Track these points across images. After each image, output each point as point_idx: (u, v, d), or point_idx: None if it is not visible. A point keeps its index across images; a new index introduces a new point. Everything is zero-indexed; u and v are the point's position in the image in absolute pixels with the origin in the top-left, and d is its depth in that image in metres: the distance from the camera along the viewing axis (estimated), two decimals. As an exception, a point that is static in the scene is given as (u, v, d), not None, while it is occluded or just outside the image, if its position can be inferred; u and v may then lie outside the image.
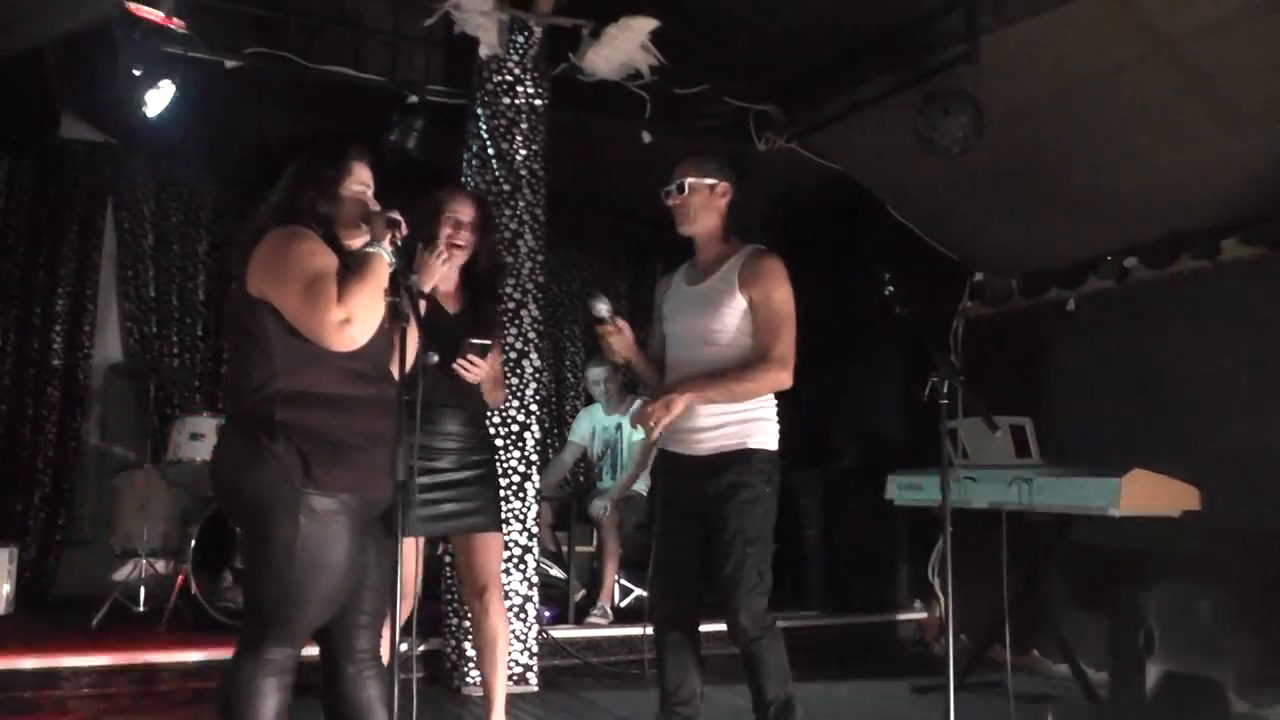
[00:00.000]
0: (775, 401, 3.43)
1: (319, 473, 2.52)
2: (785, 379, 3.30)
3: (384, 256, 2.58)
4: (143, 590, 5.58)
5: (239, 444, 2.58)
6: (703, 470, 3.31)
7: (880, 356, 6.81)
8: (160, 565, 5.77)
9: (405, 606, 3.51)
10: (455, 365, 3.47)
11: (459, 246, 3.66)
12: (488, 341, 3.54)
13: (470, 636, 4.79)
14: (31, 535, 6.55)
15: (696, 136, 5.92)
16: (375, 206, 2.73)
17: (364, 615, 2.72)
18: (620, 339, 3.41)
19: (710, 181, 3.45)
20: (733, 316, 3.34)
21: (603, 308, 3.37)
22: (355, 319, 2.49)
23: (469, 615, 3.77)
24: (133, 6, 3.93)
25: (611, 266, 8.57)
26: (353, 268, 2.57)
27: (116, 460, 6.78)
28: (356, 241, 2.69)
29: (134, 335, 7.05)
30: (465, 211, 3.69)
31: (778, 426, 3.43)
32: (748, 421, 3.35)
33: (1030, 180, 5.31)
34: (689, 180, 3.43)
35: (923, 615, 6.59)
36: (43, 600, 6.31)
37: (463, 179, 5.32)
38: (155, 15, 4.10)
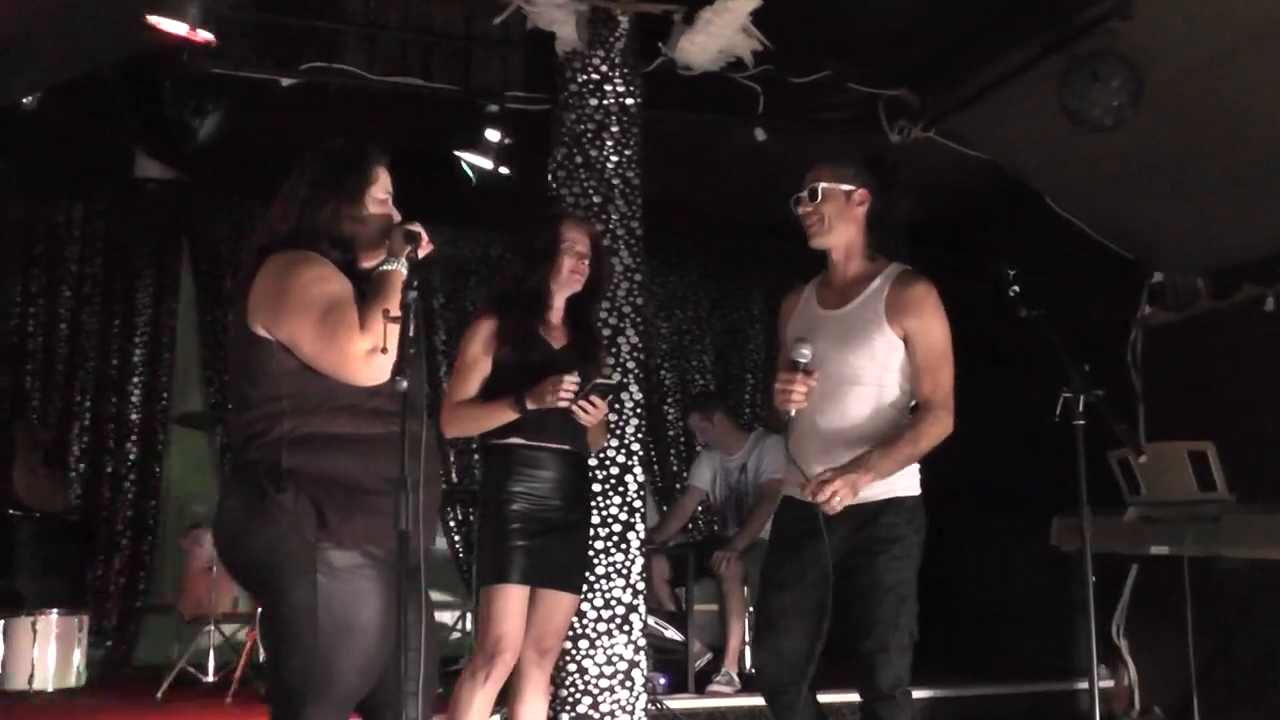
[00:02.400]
0: None
1: (335, 523, 2.48)
2: (951, 425, 3.26)
3: (404, 274, 2.54)
4: (212, 659, 5.73)
5: (243, 497, 2.55)
6: (844, 520, 3.20)
7: (1040, 378, 6.50)
8: (230, 631, 5.93)
9: (550, 659, 3.82)
10: (575, 407, 3.60)
11: (579, 279, 3.88)
12: (613, 381, 3.72)
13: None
14: (112, 601, 6.83)
15: (819, 131, 5.89)
16: (397, 217, 2.72)
17: (410, 682, 2.67)
18: (802, 395, 3.26)
19: (847, 187, 3.39)
20: (883, 352, 3.28)
21: (805, 352, 3.27)
22: (379, 347, 2.44)
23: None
24: (154, 21, 4.06)
25: (742, 284, 8.53)
26: (372, 290, 2.55)
27: (193, 518, 7.03)
28: (372, 260, 2.66)
29: (214, 384, 7.28)
30: (584, 241, 3.89)
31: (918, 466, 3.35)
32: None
33: (1208, 156, 5.07)
34: (823, 185, 3.37)
35: (1109, 684, 6.21)
36: (122, 670, 6.55)
37: (549, 194, 5.32)
38: (179, 29, 4.23)
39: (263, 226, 2.75)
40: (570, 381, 3.57)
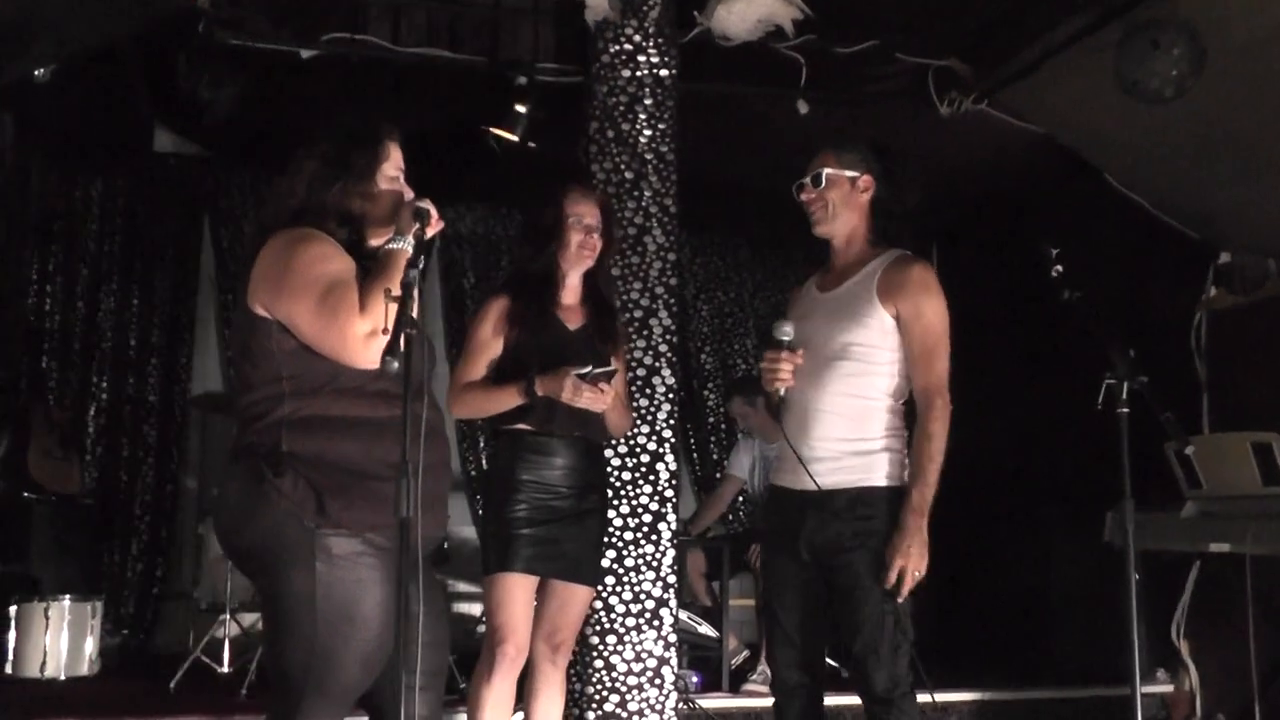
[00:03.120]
0: (903, 428, 3.35)
1: (335, 509, 2.49)
2: (950, 410, 3.27)
3: (409, 252, 2.54)
4: (227, 649, 5.77)
5: (242, 480, 2.57)
6: (821, 509, 3.25)
7: (1097, 362, 6.42)
8: (248, 621, 5.95)
9: (563, 654, 3.84)
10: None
11: (589, 254, 3.86)
12: (613, 368, 3.72)
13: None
14: (129, 588, 6.90)
15: (865, 103, 5.85)
16: (409, 195, 2.71)
17: (412, 675, 2.66)
18: (788, 374, 3.34)
19: (851, 174, 3.42)
20: (875, 331, 3.29)
21: (788, 329, 3.35)
22: (383, 328, 2.43)
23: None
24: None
25: (786, 265, 8.46)
26: (375, 270, 2.55)
27: (212, 503, 7.04)
28: (380, 239, 2.66)
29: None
30: (592, 213, 3.88)
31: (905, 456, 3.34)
32: (871, 453, 3.29)
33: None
34: (827, 171, 3.40)
35: (1168, 688, 6.14)
36: (140, 658, 6.62)
37: (583, 169, 5.30)
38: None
39: (268, 203, 2.75)
40: (577, 374, 3.60)
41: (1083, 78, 5.27)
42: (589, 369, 3.63)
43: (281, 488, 2.49)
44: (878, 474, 3.26)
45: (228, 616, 5.87)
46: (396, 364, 2.25)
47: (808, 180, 3.43)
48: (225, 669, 5.75)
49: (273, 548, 2.49)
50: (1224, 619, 5.07)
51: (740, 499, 7.06)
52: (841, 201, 3.40)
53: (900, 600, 3.15)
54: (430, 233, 2.61)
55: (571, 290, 3.93)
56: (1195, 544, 4.49)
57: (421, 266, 2.46)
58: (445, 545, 6.05)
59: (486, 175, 6.26)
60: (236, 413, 2.68)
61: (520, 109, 5.52)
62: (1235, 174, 5.45)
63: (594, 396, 3.64)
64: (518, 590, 3.69)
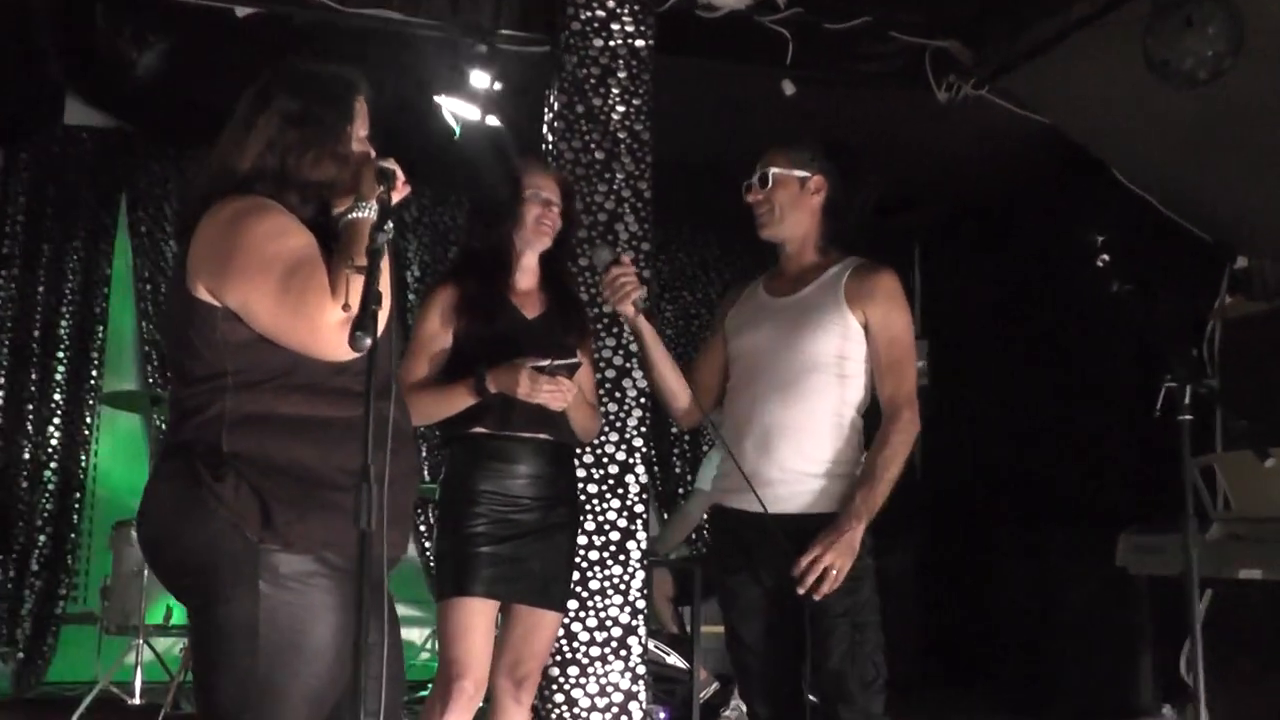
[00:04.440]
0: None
1: (283, 522, 2.30)
2: (918, 426, 3.27)
3: (373, 221, 2.34)
4: (139, 679, 5.57)
5: (173, 484, 2.37)
6: (785, 534, 3.16)
7: (1104, 369, 6.51)
8: (162, 646, 5.79)
9: (528, 689, 3.64)
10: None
11: (547, 229, 3.71)
12: (575, 360, 3.55)
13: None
14: (26, 608, 6.63)
15: (856, 86, 5.81)
16: (372, 155, 2.52)
17: (368, 717, 2.42)
18: (636, 281, 3.32)
19: (801, 174, 3.40)
20: (839, 338, 3.28)
21: (607, 248, 3.41)
22: (351, 304, 2.23)
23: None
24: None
25: (759, 264, 8.29)
26: (340, 245, 2.36)
27: (123, 514, 6.78)
28: (339, 208, 2.47)
29: (153, 360, 7.10)
30: (551, 188, 3.74)
31: None
32: (838, 475, 3.24)
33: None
34: (773, 171, 3.39)
35: (1176, 724, 6.11)
36: (36, 690, 6.37)
37: (544, 147, 5.21)
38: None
39: (209, 165, 2.52)
40: (534, 367, 3.45)
41: (1093, 63, 5.24)
42: (548, 361, 3.47)
43: (221, 494, 2.30)
44: (843, 497, 3.22)
45: (140, 641, 5.65)
46: (369, 339, 2.07)
47: (754, 180, 3.41)
48: (136, 701, 5.55)
49: (208, 564, 2.30)
50: (1239, 651, 5.00)
51: (708, 516, 6.86)
52: (790, 203, 3.39)
53: (817, 598, 3.07)
54: (397, 197, 2.42)
55: (528, 273, 3.74)
56: (1221, 569, 4.43)
57: (390, 232, 2.27)
58: None
59: (436, 155, 6.09)
60: (170, 405, 2.49)
61: (479, 80, 5.41)
62: (1256, 172, 5.43)
63: (554, 392, 3.46)
64: (477, 617, 3.49)
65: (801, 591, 3.05)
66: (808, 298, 3.33)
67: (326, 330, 2.26)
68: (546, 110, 5.22)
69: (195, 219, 2.41)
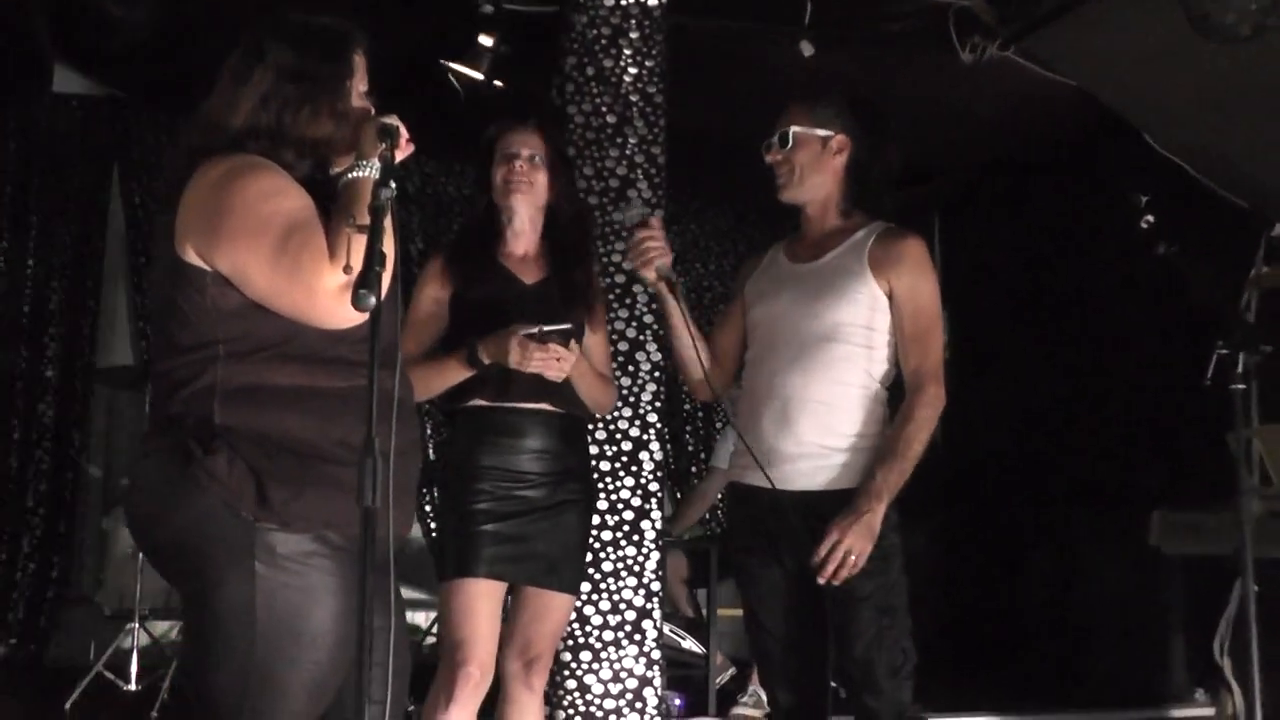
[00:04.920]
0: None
1: (279, 499, 2.23)
2: (944, 400, 3.22)
3: (375, 181, 2.24)
4: (135, 662, 5.51)
5: (162, 460, 2.30)
6: (805, 512, 3.14)
7: (1133, 339, 6.43)
8: (159, 629, 5.78)
9: (539, 673, 3.54)
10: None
11: (519, 186, 3.57)
12: (568, 325, 3.43)
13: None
14: (20, 591, 6.57)
15: (877, 46, 5.72)
16: (372, 111, 2.46)
17: (373, 706, 2.34)
18: (663, 246, 3.24)
19: (824, 133, 3.32)
20: (867, 308, 3.21)
21: (638, 205, 3.37)
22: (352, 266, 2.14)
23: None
24: None
25: (774, 236, 8.19)
26: (339, 205, 2.28)
27: (118, 494, 6.81)
28: (338, 167, 2.41)
29: (147, 335, 6.97)
30: (521, 143, 3.60)
31: None
32: (862, 450, 3.18)
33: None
34: (794, 130, 3.30)
35: (1209, 711, 6.02)
36: (31, 673, 6.30)
37: (557, 111, 5.10)
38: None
39: (197, 122, 2.44)
40: (525, 333, 3.34)
41: (1124, 22, 5.12)
42: (537, 328, 3.35)
43: (213, 470, 2.23)
44: (851, 475, 3.17)
45: (136, 625, 5.58)
46: (373, 298, 1.98)
47: (774, 139, 3.32)
48: (132, 686, 5.47)
49: (201, 544, 2.24)
50: (1276, 634, 4.96)
51: (723, 495, 6.81)
52: (811, 164, 3.31)
53: (836, 583, 3.03)
54: (400, 155, 2.34)
55: (524, 237, 3.63)
56: (1263, 549, 4.31)
57: (393, 191, 2.17)
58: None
59: (441, 123, 5.98)
60: (155, 379, 2.41)
61: (485, 42, 5.34)
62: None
63: (546, 359, 3.36)
64: (480, 600, 3.41)
65: (821, 580, 3.01)
66: (830, 264, 3.26)
67: (324, 295, 2.18)
68: (555, 73, 5.13)
69: (184, 179, 2.34)
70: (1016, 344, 7.03)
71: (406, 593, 7.09)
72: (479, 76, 5.39)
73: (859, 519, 3.01)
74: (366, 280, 1.98)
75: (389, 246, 2.11)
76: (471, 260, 3.58)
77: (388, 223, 2.12)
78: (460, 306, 3.54)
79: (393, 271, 2.16)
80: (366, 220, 2.11)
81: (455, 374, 3.43)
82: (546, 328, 3.36)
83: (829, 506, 3.09)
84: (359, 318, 2.13)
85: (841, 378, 3.18)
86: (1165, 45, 4.77)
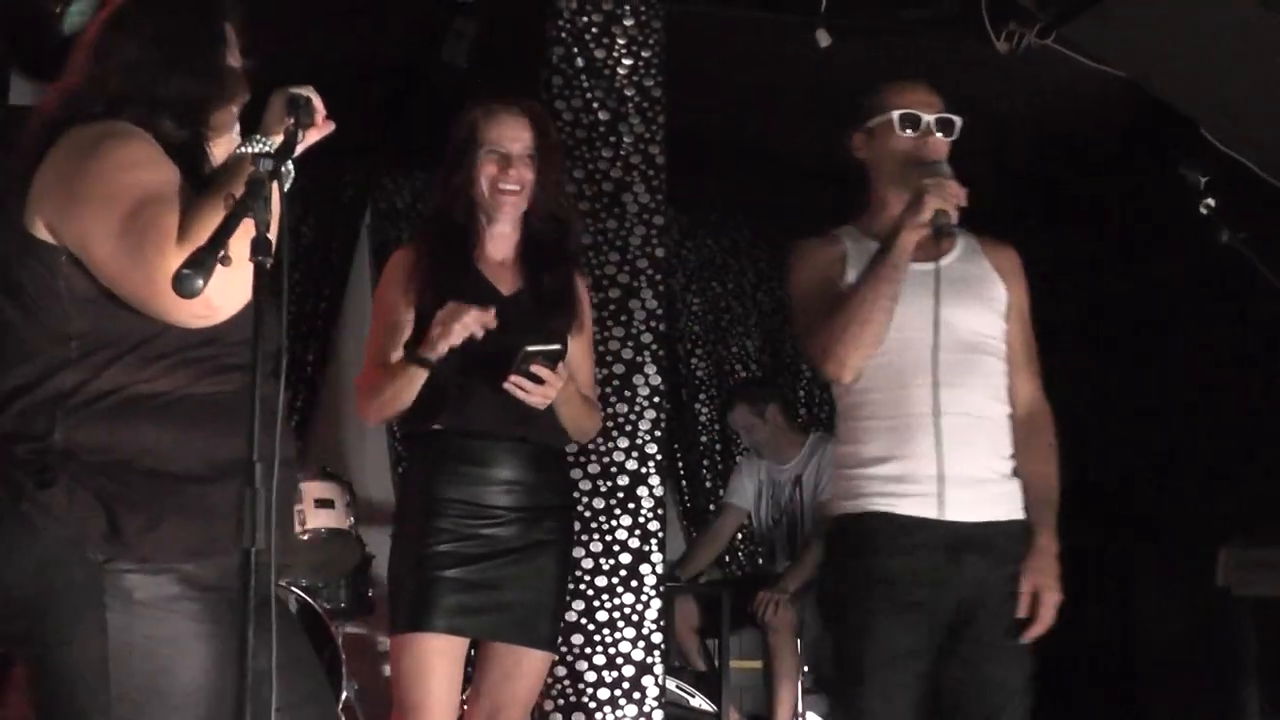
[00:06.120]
0: None
1: (132, 529, 2.01)
2: None
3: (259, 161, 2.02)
4: None
5: None
6: (969, 547, 3.00)
7: (1200, 354, 6.17)
8: None
9: None
10: (509, 384, 3.11)
11: (510, 192, 3.28)
12: (557, 346, 3.16)
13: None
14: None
15: (902, 36, 5.50)
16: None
17: None
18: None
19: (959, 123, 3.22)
20: (1000, 315, 3.17)
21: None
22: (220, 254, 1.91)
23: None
24: None
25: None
26: (211, 185, 2.09)
27: None
28: (223, 148, 2.25)
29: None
30: (513, 138, 3.30)
31: None
32: (1010, 475, 3.11)
33: None
34: (957, 120, 3.15)
35: (1282, 762, 5.81)
36: None
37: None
38: None
39: (57, 91, 2.27)
40: (476, 315, 3.06)
41: (1179, 5, 4.93)
42: (538, 348, 3.09)
43: (49, 505, 1.99)
44: (1019, 503, 3.09)
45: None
46: (200, 281, 1.73)
47: (951, 118, 3.14)
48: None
49: (38, 599, 2.01)
50: None
51: (740, 535, 6.80)
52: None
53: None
54: (314, 136, 2.15)
55: (502, 240, 3.36)
56: None
57: (290, 173, 1.98)
58: (370, 593, 5.59)
59: (427, 131, 5.80)
60: None
61: (464, 31, 5.12)
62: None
63: (527, 386, 3.09)
64: (436, 658, 3.13)
65: (1025, 640, 2.99)
66: (959, 266, 3.14)
67: (163, 282, 1.90)
68: (542, 67, 4.95)
69: (42, 152, 2.12)
70: (1059, 361, 6.80)
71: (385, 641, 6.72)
72: (458, 63, 5.17)
73: (1052, 562, 3.03)
74: (197, 259, 1.72)
75: (274, 233, 1.87)
76: (440, 262, 3.28)
77: (275, 204, 1.89)
78: (425, 316, 3.23)
79: (278, 264, 1.90)
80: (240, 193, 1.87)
81: (408, 382, 3.16)
82: (532, 348, 3.09)
83: (994, 542, 3.01)
84: (208, 316, 1.95)
85: (997, 394, 3.11)
86: (1222, 28, 4.63)
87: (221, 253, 1.76)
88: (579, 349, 3.40)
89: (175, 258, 1.90)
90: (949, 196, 2.95)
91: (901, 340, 3.07)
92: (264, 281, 1.86)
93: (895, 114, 3.10)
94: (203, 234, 1.87)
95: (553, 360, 3.13)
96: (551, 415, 3.25)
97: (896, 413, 3.06)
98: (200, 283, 1.73)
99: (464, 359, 3.15)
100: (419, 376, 3.14)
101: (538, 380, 3.09)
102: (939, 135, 3.13)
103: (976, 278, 3.17)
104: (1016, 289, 3.21)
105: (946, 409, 3.02)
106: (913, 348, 3.06)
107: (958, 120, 3.17)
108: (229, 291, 1.94)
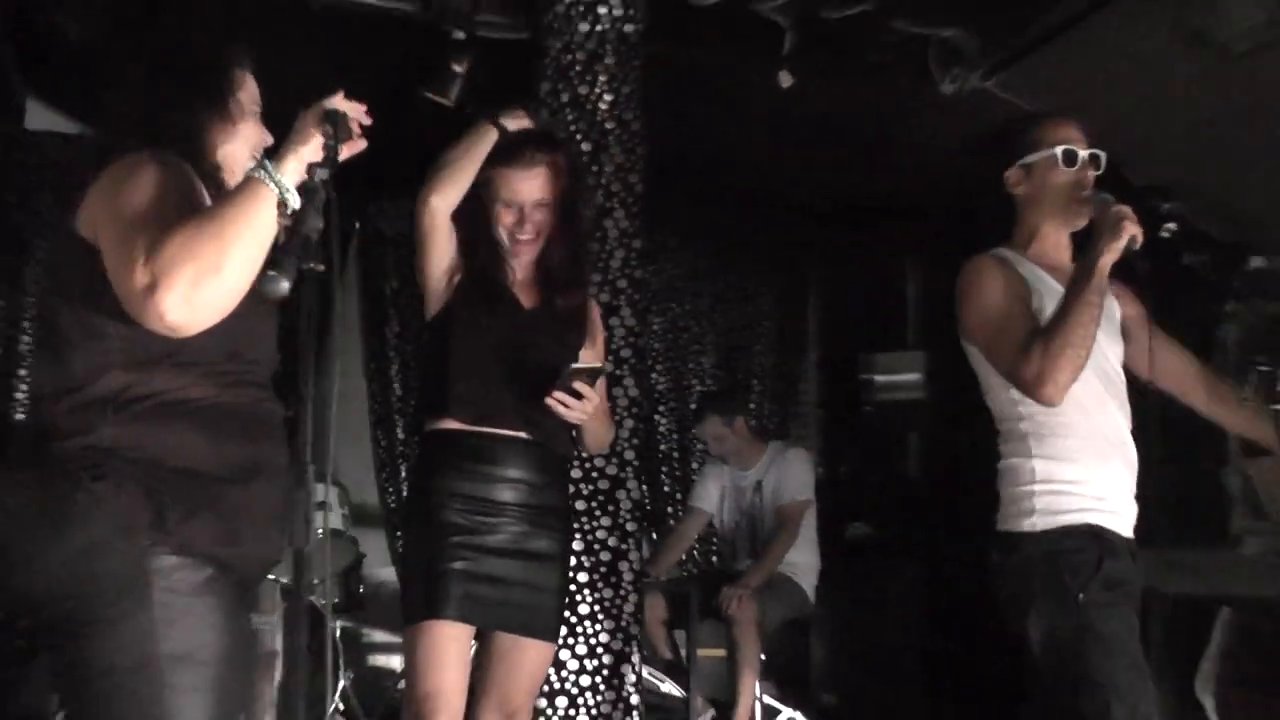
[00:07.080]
0: None
1: (175, 520, 2.01)
2: None
3: (267, 183, 2.02)
4: None
5: (28, 491, 2.04)
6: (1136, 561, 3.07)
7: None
8: None
9: None
10: (552, 400, 3.07)
11: (527, 241, 3.23)
12: (599, 365, 3.18)
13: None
14: None
15: (856, 77, 5.48)
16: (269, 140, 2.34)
17: None
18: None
19: None
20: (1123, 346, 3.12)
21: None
22: (162, 284, 1.91)
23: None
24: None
25: (752, 273, 7.99)
26: (217, 201, 2.11)
27: None
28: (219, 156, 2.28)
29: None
30: (528, 188, 3.21)
31: None
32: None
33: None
34: (1104, 155, 3.10)
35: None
36: None
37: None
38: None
39: (108, 122, 2.30)
40: (573, 368, 3.10)
41: (1107, 52, 4.95)
42: (581, 365, 3.10)
43: (101, 495, 1.99)
44: None
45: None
46: (285, 282, 1.77)
47: (1086, 155, 3.07)
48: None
49: (86, 581, 1.98)
50: (1265, 675, 4.68)
51: (700, 536, 6.72)
52: None
53: None
54: (347, 151, 2.12)
55: (523, 266, 3.32)
56: (1262, 588, 4.07)
57: (329, 174, 2.01)
58: (360, 589, 5.55)
59: (414, 158, 5.75)
60: (33, 380, 2.27)
61: (456, 68, 5.08)
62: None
63: (569, 402, 3.07)
64: (449, 644, 3.05)
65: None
66: (1108, 304, 3.02)
67: (133, 294, 1.94)
68: (529, 101, 4.78)
69: (96, 168, 2.14)
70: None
71: (381, 636, 6.80)
72: (448, 102, 5.14)
73: None
74: (277, 261, 1.76)
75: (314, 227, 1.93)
76: (478, 283, 3.24)
77: (317, 206, 1.96)
78: (460, 319, 3.22)
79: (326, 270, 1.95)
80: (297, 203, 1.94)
81: (478, 145, 3.18)
82: (576, 365, 3.09)
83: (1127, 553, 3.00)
84: (169, 325, 1.93)
85: (1127, 422, 3.04)
86: (1148, 75, 4.63)
87: (299, 255, 1.78)
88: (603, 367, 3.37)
89: (140, 271, 1.92)
90: (1136, 224, 2.91)
91: (1092, 369, 3.00)
92: (306, 287, 1.88)
93: (1059, 150, 3.02)
94: (162, 251, 1.91)
95: (593, 378, 3.11)
96: (560, 423, 3.20)
97: (1091, 434, 2.99)
98: (285, 284, 1.75)
99: (481, 362, 3.13)
100: (489, 139, 3.15)
101: (578, 396, 3.07)
102: (1091, 170, 3.08)
103: (1111, 311, 3.07)
104: (1132, 317, 3.16)
105: (1121, 435, 3.02)
106: (1099, 376, 3.01)
107: (1104, 155, 3.11)
108: (179, 310, 1.93)
